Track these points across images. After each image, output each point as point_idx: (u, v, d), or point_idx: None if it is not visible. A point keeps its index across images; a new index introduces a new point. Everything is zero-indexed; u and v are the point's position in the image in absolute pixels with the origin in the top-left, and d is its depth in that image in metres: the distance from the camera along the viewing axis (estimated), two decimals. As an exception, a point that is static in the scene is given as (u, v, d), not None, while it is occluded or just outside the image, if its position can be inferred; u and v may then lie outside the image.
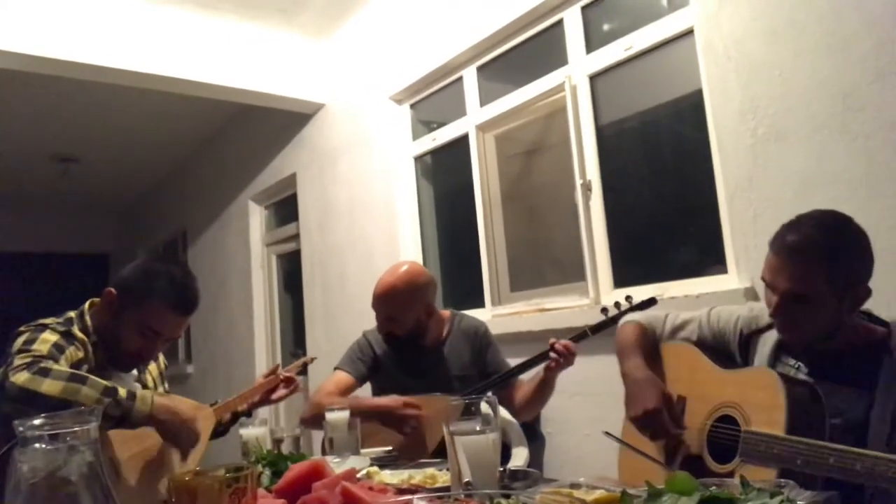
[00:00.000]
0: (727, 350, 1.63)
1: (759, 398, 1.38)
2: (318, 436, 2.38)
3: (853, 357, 1.42)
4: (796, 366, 1.47)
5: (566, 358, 2.04)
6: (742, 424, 1.39)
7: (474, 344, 2.35)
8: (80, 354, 1.78)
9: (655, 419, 1.50)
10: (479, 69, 3.47)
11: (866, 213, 1.87)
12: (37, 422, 0.88)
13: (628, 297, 2.05)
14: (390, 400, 2.14)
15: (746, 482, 0.91)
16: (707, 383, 1.55)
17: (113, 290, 1.85)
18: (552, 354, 2.05)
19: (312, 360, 2.45)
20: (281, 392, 2.17)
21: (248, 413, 2.15)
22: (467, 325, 2.40)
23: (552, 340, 2.06)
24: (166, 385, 2.16)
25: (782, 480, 0.94)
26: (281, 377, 2.17)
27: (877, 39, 1.88)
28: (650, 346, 1.74)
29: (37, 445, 0.86)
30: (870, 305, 1.44)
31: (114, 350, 1.87)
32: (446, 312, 2.44)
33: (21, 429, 0.87)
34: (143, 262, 1.93)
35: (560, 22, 3.01)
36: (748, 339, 1.60)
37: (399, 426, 2.09)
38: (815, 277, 1.39)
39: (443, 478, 1.36)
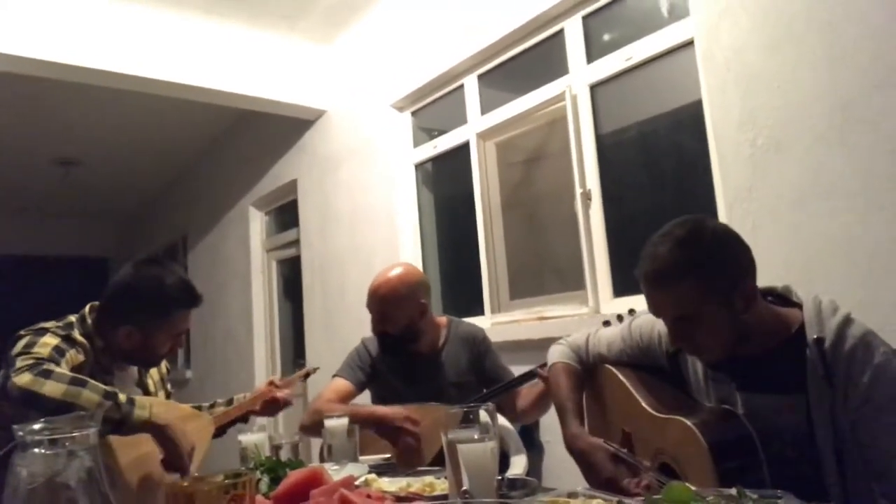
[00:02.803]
0: (658, 365, 1.58)
1: (690, 456, 1.32)
2: (316, 443, 2.38)
3: (777, 360, 1.36)
4: (727, 381, 1.42)
5: None
6: (681, 477, 1.33)
7: (472, 350, 2.35)
8: (81, 358, 1.78)
9: (615, 485, 1.44)
10: (481, 77, 3.48)
11: (864, 224, 1.89)
12: (36, 427, 0.88)
13: (632, 311, 2.03)
14: (391, 410, 2.12)
15: (743, 492, 0.91)
16: (642, 422, 1.49)
17: (131, 328, 1.85)
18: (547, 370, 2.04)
19: (315, 370, 2.42)
20: (279, 404, 2.17)
21: (245, 419, 2.16)
22: (465, 331, 2.40)
23: None
24: (169, 386, 2.16)
25: (779, 491, 0.94)
26: (279, 394, 2.16)
27: (875, 51, 1.89)
28: (582, 386, 1.70)
29: (36, 450, 0.87)
30: (869, 318, 1.38)
31: (149, 359, 1.96)
32: (443, 319, 2.44)
33: (20, 433, 0.87)
34: (141, 278, 1.90)
35: (561, 31, 3.03)
36: (675, 356, 1.55)
37: (395, 438, 2.08)
38: (687, 296, 1.33)
39: (441, 486, 1.36)
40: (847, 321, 1.30)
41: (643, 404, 1.49)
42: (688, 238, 1.35)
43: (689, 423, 1.32)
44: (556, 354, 1.77)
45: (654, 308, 1.43)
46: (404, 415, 2.09)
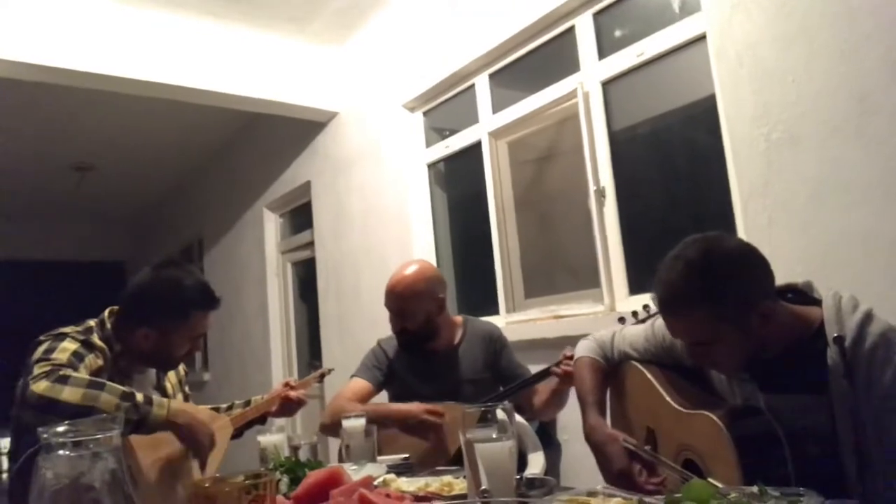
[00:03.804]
0: (681, 363, 1.57)
1: (715, 450, 1.32)
2: (334, 443, 2.39)
3: (798, 360, 1.35)
4: (748, 379, 1.42)
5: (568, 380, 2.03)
6: (704, 473, 1.34)
7: (489, 348, 2.36)
8: (100, 363, 1.80)
9: (629, 479, 1.45)
10: (492, 76, 3.48)
11: (881, 218, 1.87)
12: (60, 429, 0.89)
13: (646, 307, 2.03)
14: (413, 406, 2.15)
15: (764, 490, 0.91)
16: (667, 419, 1.50)
17: (149, 330, 1.86)
18: (562, 368, 2.05)
19: (330, 371, 2.43)
20: (294, 404, 2.18)
21: (263, 421, 2.17)
22: (481, 329, 2.42)
23: (565, 353, 2.06)
24: (187, 389, 2.18)
25: (801, 489, 0.93)
26: (292, 394, 2.17)
27: (890, 43, 1.87)
28: (606, 381, 1.72)
29: (61, 452, 0.88)
30: (888, 311, 1.35)
31: (167, 362, 1.97)
32: (459, 318, 2.45)
33: (45, 435, 0.88)
34: (160, 280, 1.91)
35: (572, 29, 3.02)
36: None
37: (420, 432, 2.09)
38: (701, 323, 1.34)
39: (459, 485, 1.36)
40: (867, 318, 1.29)
41: (668, 399, 1.50)
42: (700, 264, 1.33)
43: (714, 417, 1.32)
44: (582, 349, 1.79)
45: (671, 332, 1.45)
46: (425, 408, 2.11)
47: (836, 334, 1.28)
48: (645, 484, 1.43)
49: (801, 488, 0.91)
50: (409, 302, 2.29)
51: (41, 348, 1.72)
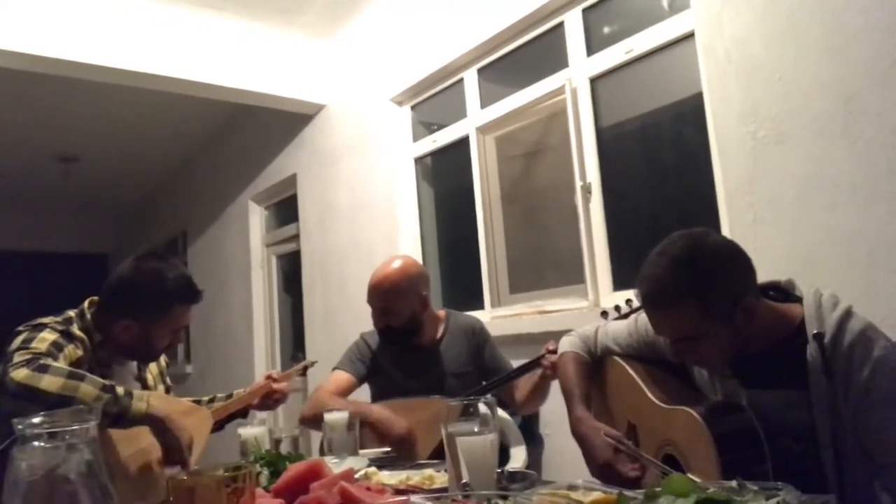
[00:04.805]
0: (664, 360, 1.57)
1: (695, 445, 1.32)
2: (316, 436, 2.38)
3: (779, 356, 1.36)
4: (731, 375, 1.42)
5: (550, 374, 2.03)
6: (684, 468, 1.34)
7: (471, 341, 2.35)
8: (80, 353, 1.78)
9: (613, 472, 1.45)
10: (480, 71, 3.48)
11: (867, 217, 1.89)
12: (36, 420, 0.88)
13: (628, 301, 2.03)
14: (395, 424, 2.03)
15: (743, 484, 0.91)
16: (649, 415, 1.50)
17: (130, 321, 1.84)
18: (544, 363, 2.05)
19: (313, 363, 2.42)
20: (276, 397, 2.16)
21: (244, 414, 2.15)
22: (463, 322, 2.42)
23: (548, 346, 2.05)
24: (168, 380, 2.16)
25: (780, 483, 0.94)
26: (276, 387, 2.15)
27: (878, 43, 1.88)
28: (590, 375, 1.72)
29: (36, 443, 0.86)
30: (870, 310, 1.39)
31: (147, 354, 1.95)
32: (441, 312, 2.45)
33: (20, 427, 0.87)
34: (142, 272, 1.89)
35: (561, 24, 3.02)
36: None
37: (393, 446, 2.05)
38: (685, 319, 1.34)
39: (440, 479, 1.36)
40: (847, 315, 1.30)
41: (649, 395, 1.50)
42: (685, 259, 1.34)
43: (694, 413, 1.33)
44: (566, 344, 1.80)
45: (655, 328, 1.45)
46: (405, 433, 2.02)
47: (815, 331, 1.29)
48: (629, 471, 1.43)
49: (780, 483, 0.92)
50: (392, 300, 2.27)
51: (20, 338, 1.70)
